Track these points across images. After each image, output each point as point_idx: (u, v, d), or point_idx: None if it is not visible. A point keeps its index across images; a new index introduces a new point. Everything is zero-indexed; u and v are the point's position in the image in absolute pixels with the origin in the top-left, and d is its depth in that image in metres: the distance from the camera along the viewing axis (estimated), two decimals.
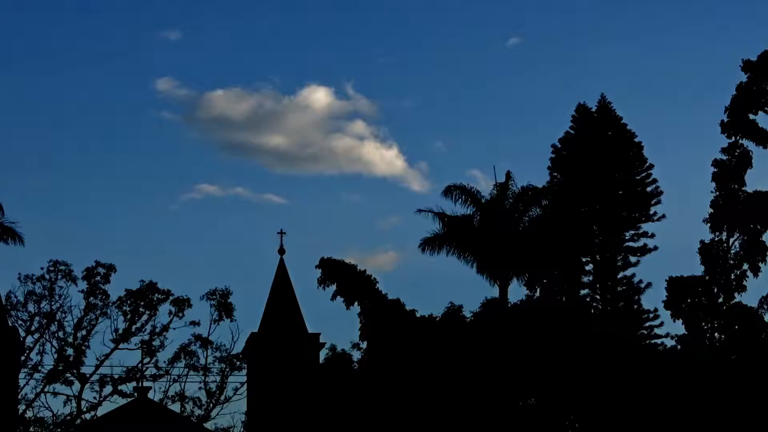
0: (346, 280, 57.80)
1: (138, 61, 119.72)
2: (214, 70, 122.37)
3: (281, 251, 55.80)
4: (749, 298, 62.76)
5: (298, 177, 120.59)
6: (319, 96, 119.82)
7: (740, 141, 64.70)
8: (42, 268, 67.66)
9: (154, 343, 67.70)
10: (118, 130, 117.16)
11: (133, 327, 67.85)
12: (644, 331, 66.02)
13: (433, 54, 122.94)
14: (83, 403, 66.82)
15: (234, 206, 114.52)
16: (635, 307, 67.24)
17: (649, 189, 69.12)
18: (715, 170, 64.78)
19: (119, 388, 66.71)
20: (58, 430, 65.62)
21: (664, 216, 69.00)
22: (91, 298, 67.66)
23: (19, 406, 61.39)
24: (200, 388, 67.38)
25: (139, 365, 65.25)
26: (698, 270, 63.55)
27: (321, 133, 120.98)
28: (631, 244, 68.57)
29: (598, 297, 67.49)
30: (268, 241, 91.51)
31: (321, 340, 54.44)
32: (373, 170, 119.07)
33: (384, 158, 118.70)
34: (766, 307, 61.54)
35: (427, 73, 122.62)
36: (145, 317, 68.04)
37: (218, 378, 67.37)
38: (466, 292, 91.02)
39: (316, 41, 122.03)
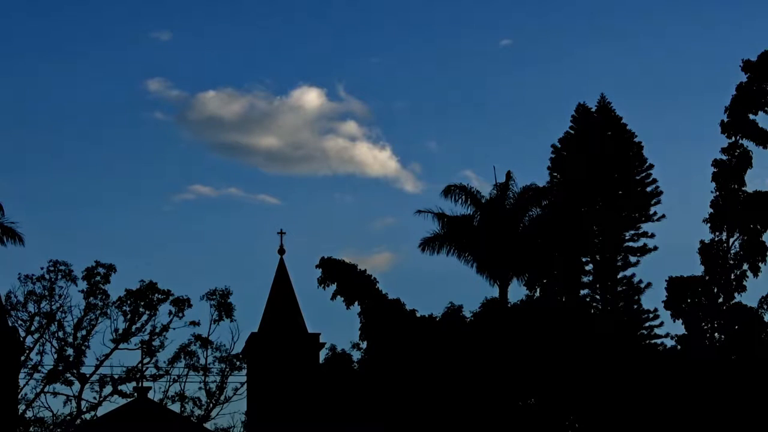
0: (346, 279, 57.80)
1: (129, 62, 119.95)
2: (206, 70, 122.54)
3: (281, 251, 55.77)
4: (749, 298, 62.84)
5: (292, 178, 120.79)
6: (311, 97, 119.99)
7: (740, 141, 64.72)
8: (42, 268, 67.65)
9: (154, 343, 67.68)
10: (111, 131, 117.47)
11: (133, 327, 67.81)
12: (644, 331, 66.02)
13: (424, 55, 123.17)
14: (83, 403, 66.80)
15: (229, 207, 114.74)
16: (635, 307, 67.25)
17: (649, 189, 69.18)
18: (715, 170, 64.79)
19: (119, 388, 66.68)
20: (58, 430, 65.58)
21: (664, 216, 69.12)
22: (91, 298, 67.59)
23: (19, 406, 61.34)
24: (200, 388, 67.40)
25: (139, 365, 65.25)
26: (698, 270, 63.62)
27: (313, 133, 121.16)
28: (631, 244, 68.63)
29: (598, 297, 67.50)
30: (267, 241, 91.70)
31: (321, 340, 54.42)
32: (366, 171, 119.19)
33: (377, 159, 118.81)
34: (766, 307, 61.54)
35: (419, 74, 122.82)
36: (145, 317, 68.05)
37: (218, 378, 67.37)
38: (466, 292, 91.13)
39: (308, 42, 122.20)
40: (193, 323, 68.22)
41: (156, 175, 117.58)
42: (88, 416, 66.13)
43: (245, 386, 60.51)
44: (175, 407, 65.78)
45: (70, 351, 66.82)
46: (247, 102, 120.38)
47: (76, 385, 66.88)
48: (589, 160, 68.78)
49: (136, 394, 58.27)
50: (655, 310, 66.45)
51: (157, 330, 67.82)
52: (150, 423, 51.95)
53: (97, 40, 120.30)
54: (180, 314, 68.08)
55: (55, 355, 66.68)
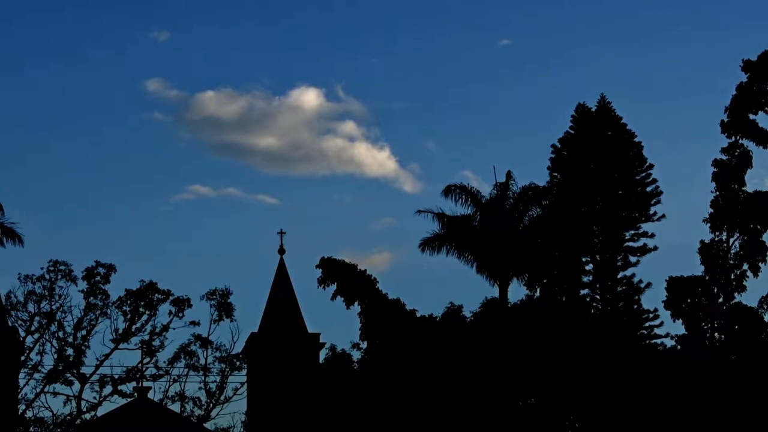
0: (346, 279, 57.78)
1: (128, 63, 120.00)
2: (204, 71, 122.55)
3: (281, 251, 55.78)
4: (749, 298, 62.78)
5: (290, 178, 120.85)
6: (310, 97, 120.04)
7: (740, 141, 64.67)
8: (42, 268, 67.77)
9: (154, 343, 67.75)
10: (111, 131, 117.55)
11: (133, 327, 67.88)
12: (644, 331, 65.98)
13: (423, 55, 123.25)
14: (83, 403, 66.87)
15: (228, 207, 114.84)
16: (635, 307, 67.21)
17: (649, 189, 69.12)
18: (715, 170, 64.75)
19: (119, 388, 66.76)
20: (58, 430, 65.60)
21: (664, 216, 69.02)
22: (91, 298, 67.67)
23: (19, 406, 61.36)
24: (200, 388, 67.48)
25: (139, 365, 65.30)
26: (698, 270, 63.56)
27: (312, 134, 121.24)
28: (631, 244, 68.55)
29: (598, 297, 67.45)
30: (267, 241, 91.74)
31: (321, 340, 54.43)
32: (365, 171, 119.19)
33: (376, 159, 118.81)
34: (766, 307, 61.51)
35: (418, 74, 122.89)
36: (145, 317, 68.10)
37: (218, 378, 67.43)
38: (466, 292, 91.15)
39: (306, 42, 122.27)
40: (193, 323, 68.36)
41: (155, 176, 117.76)
42: (88, 416, 66.17)
43: (245, 386, 60.56)
44: (175, 407, 65.85)
45: (70, 351, 66.87)
46: (246, 102, 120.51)
47: (76, 385, 67.04)
48: (589, 160, 68.74)
49: (136, 394, 58.28)
50: (655, 310, 66.40)
51: (157, 330, 67.95)
52: (150, 423, 51.97)
53: (95, 41, 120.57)
54: (180, 314, 68.23)
55: (55, 355, 66.78)
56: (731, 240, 64.01)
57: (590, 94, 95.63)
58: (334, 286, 58.30)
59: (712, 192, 64.73)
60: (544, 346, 52.30)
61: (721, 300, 62.79)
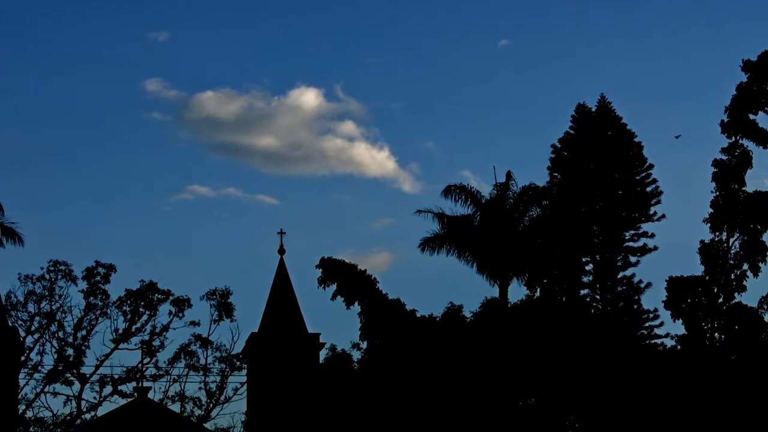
0: (346, 279, 57.79)
1: (127, 63, 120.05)
2: (204, 71, 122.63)
3: (281, 251, 55.75)
4: (749, 298, 62.72)
5: (290, 178, 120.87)
6: (309, 97, 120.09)
7: (740, 141, 64.61)
8: (42, 268, 67.77)
9: (154, 343, 67.73)
10: (110, 131, 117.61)
11: (133, 327, 67.86)
12: (644, 331, 66.00)
13: (422, 55, 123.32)
14: (83, 403, 66.86)
15: (227, 207, 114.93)
16: (635, 307, 67.22)
17: (649, 189, 69.13)
18: (715, 170, 64.73)
19: (119, 388, 66.75)
20: (58, 430, 65.59)
21: (664, 216, 69.05)
22: (91, 298, 67.66)
23: (19, 406, 61.33)
24: (200, 388, 67.46)
25: (139, 365, 65.29)
26: (698, 270, 63.49)
27: (311, 134, 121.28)
28: (631, 244, 68.57)
29: (598, 297, 67.47)
30: (267, 241, 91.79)
31: (321, 340, 54.42)
32: (364, 171, 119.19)
33: (375, 159, 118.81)
34: (766, 307, 61.46)
35: (417, 74, 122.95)
36: (145, 317, 68.09)
37: (218, 378, 67.43)
38: (466, 292, 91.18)
39: (306, 42, 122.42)
40: (193, 323, 68.34)
41: (154, 175, 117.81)
42: (88, 416, 66.15)
43: (245, 386, 60.54)
44: (175, 407, 65.85)
45: (70, 351, 66.85)
46: (245, 102, 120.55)
47: (76, 385, 67.03)
48: (589, 160, 68.74)
49: (136, 394, 58.25)
50: (655, 310, 66.43)
51: (157, 330, 67.94)
52: (150, 423, 51.95)
53: (95, 41, 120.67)
54: (180, 314, 68.22)
55: (55, 355, 66.78)
56: (731, 240, 63.96)
57: (590, 94, 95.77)
58: (334, 286, 58.31)
59: (712, 192, 64.68)
60: (544, 346, 52.31)
61: (721, 300, 62.77)
